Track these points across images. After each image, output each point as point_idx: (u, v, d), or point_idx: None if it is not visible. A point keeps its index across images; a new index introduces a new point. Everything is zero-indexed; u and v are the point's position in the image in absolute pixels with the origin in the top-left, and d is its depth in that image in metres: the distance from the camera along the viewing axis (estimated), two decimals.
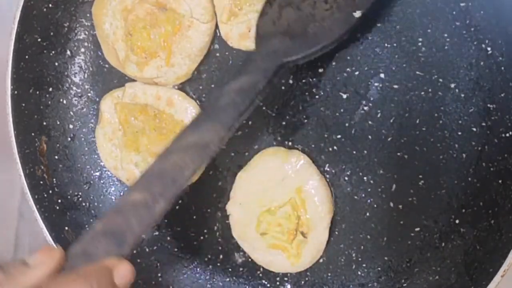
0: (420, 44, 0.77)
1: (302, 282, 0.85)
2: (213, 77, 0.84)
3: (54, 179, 0.88)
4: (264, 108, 0.83)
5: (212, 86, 0.84)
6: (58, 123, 0.89)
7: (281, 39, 0.71)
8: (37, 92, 0.87)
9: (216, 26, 0.82)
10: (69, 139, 0.90)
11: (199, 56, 0.83)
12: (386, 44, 0.79)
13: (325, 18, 0.71)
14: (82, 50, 0.89)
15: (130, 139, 0.86)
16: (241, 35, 0.81)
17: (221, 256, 0.88)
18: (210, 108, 0.69)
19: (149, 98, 0.85)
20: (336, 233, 0.83)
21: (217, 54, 0.84)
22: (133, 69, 0.84)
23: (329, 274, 0.84)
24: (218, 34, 0.83)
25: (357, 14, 0.70)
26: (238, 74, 0.70)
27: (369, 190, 0.81)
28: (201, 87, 0.85)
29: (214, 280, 0.88)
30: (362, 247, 0.82)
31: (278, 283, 0.86)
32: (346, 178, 0.82)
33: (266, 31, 0.73)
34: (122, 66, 0.85)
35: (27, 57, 0.84)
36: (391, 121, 0.79)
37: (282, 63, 0.70)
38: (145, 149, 0.86)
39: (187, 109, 0.84)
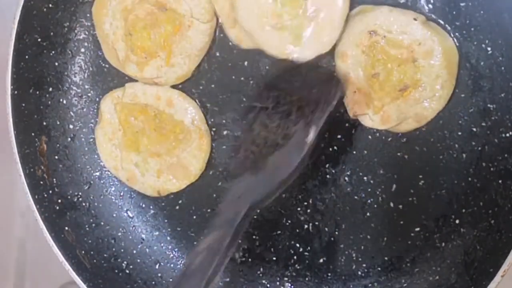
0: None
1: (302, 282, 0.85)
2: (213, 77, 0.84)
3: (54, 179, 0.88)
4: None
5: (212, 86, 0.84)
6: (58, 123, 0.89)
7: (247, 178, 0.72)
8: (37, 92, 0.87)
9: (217, 26, 0.82)
10: (69, 139, 0.90)
11: (199, 56, 0.83)
12: None
13: (281, 148, 0.72)
14: (82, 50, 0.89)
15: (130, 139, 0.86)
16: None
17: None
18: (184, 274, 0.68)
19: (149, 98, 0.85)
20: (336, 233, 0.83)
21: (217, 54, 0.84)
22: (133, 69, 0.84)
23: (329, 274, 0.84)
24: (218, 34, 0.83)
25: (309, 138, 0.71)
26: (207, 232, 0.70)
27: (369, 190, 0.81)
28: (201, 87, 0.85)
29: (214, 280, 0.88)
30: (362, 247, 0.82)
31: (278, 283, 0.86)
32: (346, 178, 0.82)
33: (237, 172, 0.74)
34: (122, 66, 0.85)
35: (27, 57, 0.84)
36: None
37: (246, 210, 0.69)
38: (145, 149, 0.86)
39: (187, 110, 0.84)
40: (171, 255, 0.90)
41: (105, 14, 0.84)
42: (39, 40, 0.85)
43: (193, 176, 0.86)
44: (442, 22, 0.76)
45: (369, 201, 0.81)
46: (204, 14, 0.81)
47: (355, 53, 0.77)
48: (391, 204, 0.81)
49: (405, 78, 0.76)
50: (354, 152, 0.81)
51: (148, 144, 0.86)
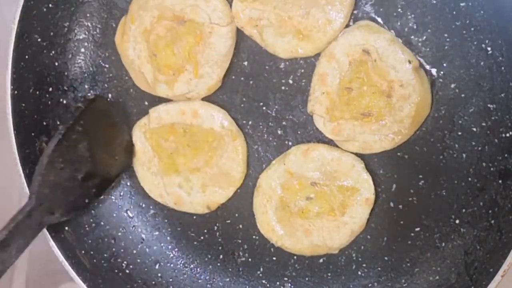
0: (420, 44, 0.77)
1: (302, 282, 0.85)
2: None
3: None
4: (264, 108, 0.83)
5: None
6: (58, 123, 0.89)
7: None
8: (37, 92, 0.87)
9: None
10: None
11: (226, 61, 0.81)
12: None
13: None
14: (82, 50, 0.89)
15: (167, 162, 0.85)
16: (251, 20, 0.79)
17: (221, 256, 0.88)
18: None
19: (174, 116, 0.84)
20: None
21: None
22: (163, 89, 0.83)
23: (329, 274, 0.84)
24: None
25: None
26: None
27: None
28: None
29: (214, 280, 0.88)
30: (362, 247, 0.82)
31: (278, 283, 0.86)
32: None
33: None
34: (152, 89, 0.84)
35: (27, 57, 0.84)
36: None
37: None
38: (184, 168, 0.84)
39: (213, 116, 0.83)
40: (171, 255, 0.90)
41: (127, 40, 0.83)
42: (39, 40, 0.85)
43: (238, 181, 0.84)
44: (441, 22, 0.76)
45: None
46: (222, 17, 0.80)
47: (342, 60, 0.77)
48: (391, 204, 0.81)
49: (373, 106, 0.77)
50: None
51: (185, 162, 0.84)
